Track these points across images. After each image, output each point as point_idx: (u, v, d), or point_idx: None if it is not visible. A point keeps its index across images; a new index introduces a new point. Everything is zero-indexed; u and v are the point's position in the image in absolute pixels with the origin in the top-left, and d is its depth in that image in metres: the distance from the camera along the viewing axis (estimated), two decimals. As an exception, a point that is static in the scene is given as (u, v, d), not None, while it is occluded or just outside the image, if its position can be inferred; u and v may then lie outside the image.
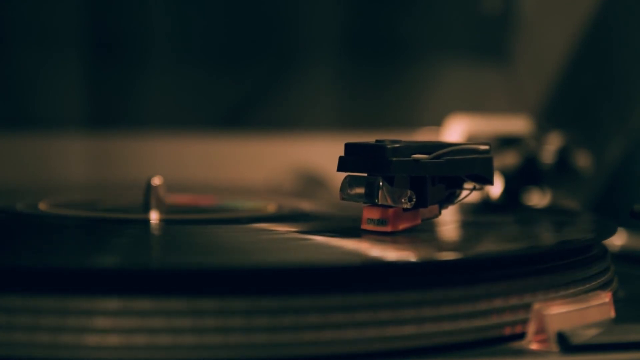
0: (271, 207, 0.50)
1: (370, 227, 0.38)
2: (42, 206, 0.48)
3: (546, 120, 0.69)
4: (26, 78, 0.74)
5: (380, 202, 0.38)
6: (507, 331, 0.34)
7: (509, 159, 0.60)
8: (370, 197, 0.38)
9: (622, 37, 0.71)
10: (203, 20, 0.76)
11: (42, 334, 0.30)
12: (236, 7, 0.77)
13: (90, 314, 0.30)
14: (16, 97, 0.74)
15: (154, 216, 0.45)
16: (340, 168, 0.38)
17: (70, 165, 0.73)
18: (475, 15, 0.79)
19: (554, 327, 0.33)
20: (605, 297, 0.36)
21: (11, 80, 0.74)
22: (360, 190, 0.38)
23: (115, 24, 0.75)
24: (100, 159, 0.74)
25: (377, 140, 0.38)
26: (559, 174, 0.60)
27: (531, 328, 0.33)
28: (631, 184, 0.68)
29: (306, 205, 0.52)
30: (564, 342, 0.32)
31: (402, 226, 0.38)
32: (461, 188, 0.41)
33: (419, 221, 0.39)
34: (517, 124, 0.63)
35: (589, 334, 0.33)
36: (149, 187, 0.46)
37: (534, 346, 0.33)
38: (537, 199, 0.59)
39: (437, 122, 0.70)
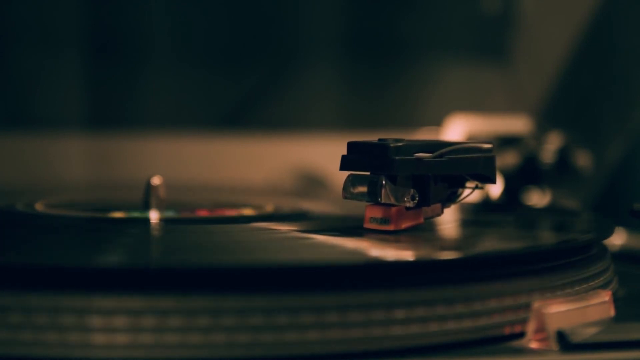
0: (270, 207, 0.50)
1: (373, 225, 0.38)
2: (41, 206, 0.48)
3: (546, 120, 0.69)
4: (26, 78, 0.74)
5: (383, 201, 0.38)
6: (507, 330, 0.34)
7: (509, 158, 0.60)
8: (373, 196, 0.38)
9: (622, 37, 0.71)
10: (203, 20, 0.76)
11: (41, 333, 0.30)
12: (237, 6, 0.77)
13: (88, 313, 0.30)
14: (16, 97, 0.74)
15: (154, 216, 0.45)
16: (342, 167, 0.38)
17: (70, 165, 0.73)
18: (475, 15, 0.79)
19: (553, 325, 0.33)
20: (605, 295, 0.36)
21: (11, 80, 0.74)
22: (363, 189, 0.38)
23: (115, 24, 0.75)
24: (100, 159, 0.74)
25: (379, 139, 0.38)
26: (559, 173, 0.60)
27: (531, 327, 0.33)
28: (631, 183, 0.68)
29: (307, 205, 0.52)
30: (564, 340, 0.32)
31: (404, 225, 0.39)
32: (463, 187, 0.41)
33: (421, 220, 0.39)
34: (517, 124, 0.63)
35: (588, 333, 0.33)
36: (149, 187, 0.46)
37: (533, 345, 0.33)
38: (537, 198, 0.59)
39: (437, 122, 0.70)
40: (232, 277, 0.31)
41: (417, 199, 0.38)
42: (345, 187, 0.39)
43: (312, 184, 0.72)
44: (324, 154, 0.70)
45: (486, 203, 0.57)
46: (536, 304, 0.33)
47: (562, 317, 0.33)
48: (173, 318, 0.30)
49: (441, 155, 0.38)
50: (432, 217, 0.40)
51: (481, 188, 0.41)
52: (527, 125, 0.63)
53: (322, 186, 0.70)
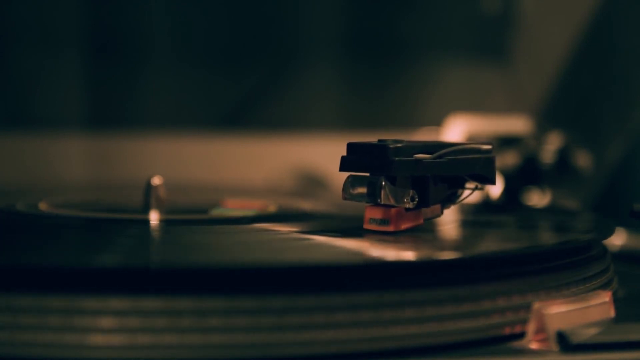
0: (272, 207, 0.50)
1: (373, 226, 0.38)
2: (42, 206, 0.48)
3: (546, 120, 0.69)
4: (26, 78, 0.74)
5: (382, 202, 0.38)
6: (507, 330, 0.34)
7: (509, 159, 0.60)
8: (372, 197, 0.38)
9: (622, 37, 0.71)
10: (203, 20, 0.76)
11: (43, 333, 0.30)
12: (237, 6, 0.77)
13: (89, 313, 0.30)
14: (16, 97, 0.74)
15: (154, 216, 0.45)
16: (342, 168, 0.38)
17: (70, 165, 0.73)
18: (475, 15, 0.79)
19: (553, 326, 0.33)
20: (605, 296, 0.36)
21: (11, 80, 0.74)
22: (363, 190, 0.38)
23: (115, 24, 0.75)
24: (100, 159, 0.74)
25: (379, 140, 0.38)
26: (559, 174, 0.60)
27: (531, 327, 0.33)
28: (631, 183, 0.68)
29: (306, 205, 0.52)
30: (564, 341, 0.32)
31: (404, 226, 0.39)
32: (463, 188, 0.41)
33: (421, 221, 0.39)
34: (517, 124, 0.63)
35: (588, 333, 0.33)
36: (149, 187, 0.46)
37: (534, 345, 0.33)
38: (537, 199, 0.59)
39: (437, 122, 0.70)
40: (217, 278, 0.31)
41: (417, 199, 0.38)
42: (344, 188, 0.39)
43: (312, 184, 0.72)
44: (324, 154, 0.70)
45: (486, 203, 0.57)
46: (536, 305, 0.33)
47: (562, 318, 0.33)
48: (163, 318, 0.30)
49: (441, 156, 0.38)
50: (432, 218, 0.40)
51: (481, 189, 0.41)
52: (527, 125, 0.63)
53: (322, 186, 0.70)
